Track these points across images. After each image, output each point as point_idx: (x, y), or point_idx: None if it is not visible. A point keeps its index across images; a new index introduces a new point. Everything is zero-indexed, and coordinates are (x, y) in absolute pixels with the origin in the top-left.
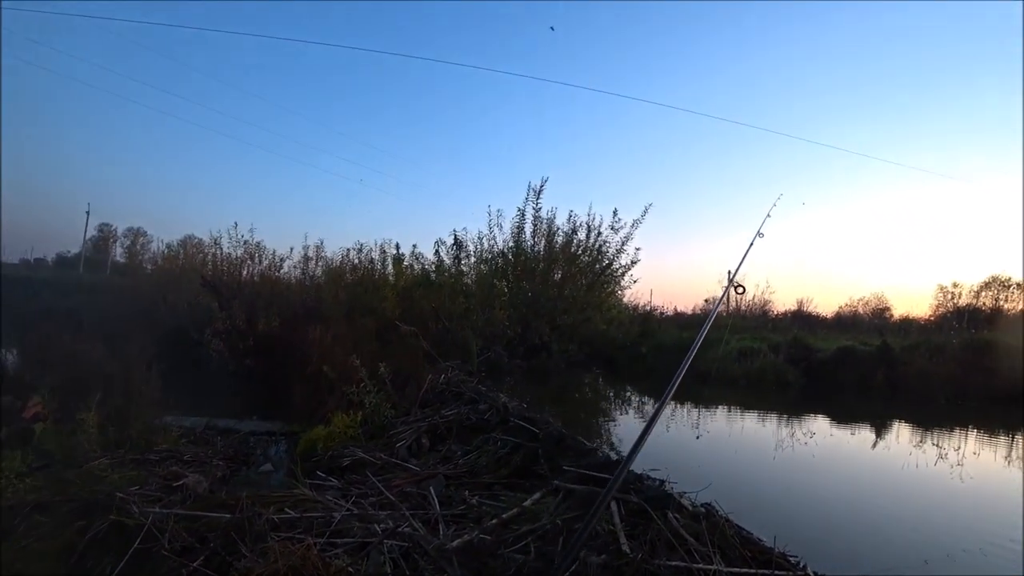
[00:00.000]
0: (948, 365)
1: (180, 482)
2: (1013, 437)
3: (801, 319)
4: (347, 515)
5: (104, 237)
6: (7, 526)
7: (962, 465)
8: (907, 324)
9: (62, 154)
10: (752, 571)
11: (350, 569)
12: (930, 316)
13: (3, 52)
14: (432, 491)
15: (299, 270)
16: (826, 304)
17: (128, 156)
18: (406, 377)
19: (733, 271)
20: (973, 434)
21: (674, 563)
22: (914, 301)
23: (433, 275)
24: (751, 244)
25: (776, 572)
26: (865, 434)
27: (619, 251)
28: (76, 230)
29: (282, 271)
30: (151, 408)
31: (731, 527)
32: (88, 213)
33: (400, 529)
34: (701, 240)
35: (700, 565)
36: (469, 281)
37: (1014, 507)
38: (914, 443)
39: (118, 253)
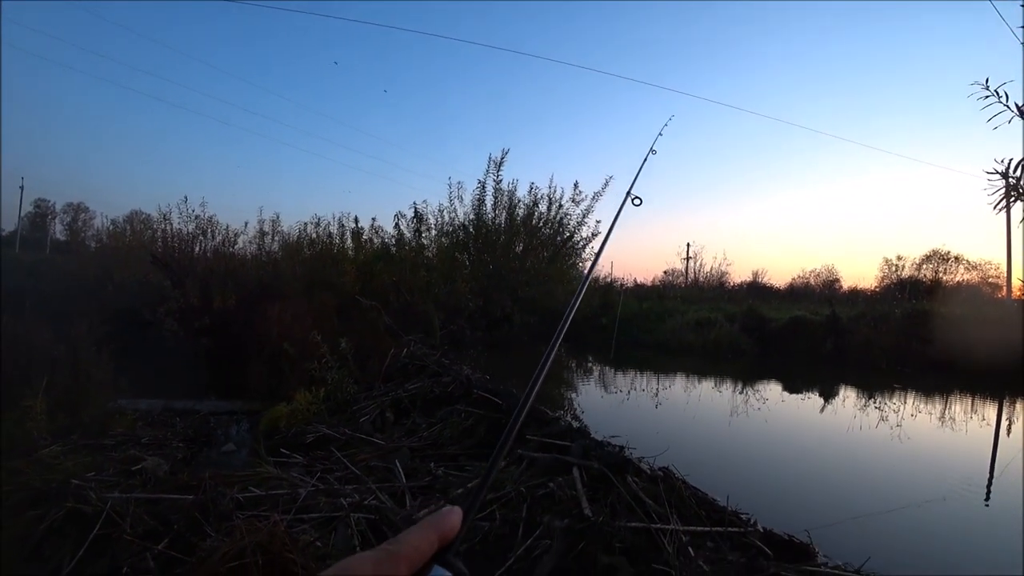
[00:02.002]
0: (890, 334)
1: (139, 466)
2: (947, 400)
3: (756, 290)
4: (313, 491)
5: (41, 213)
6: None
7: (900, 427)
8: (855, 295)
9: None
10: (707, 529)
11: (318, 543)
12: (875, 287)
13: None
14: (397, 464)
15: (255, 245)
16: (779, 275)
17: (62, 126)
18: (368, 352)
19: (630, 185)
20: (911, 398)
21: (634, 524)
22: (861, 273)
23: (393, 248)
24: (644, 160)
25: (729, 529)
26: (814, 399)
27: (580, 223)
28: (9, 206)
29: (237, 246)
30: (103, 391)
31: (687, 489)
32: (22, 188)
33: (367, 502)
34: (661, 213)
35: (658, 525)
36: (430, 254)
37: (945, 463)
38: (859, 407)
39: (58, 230)
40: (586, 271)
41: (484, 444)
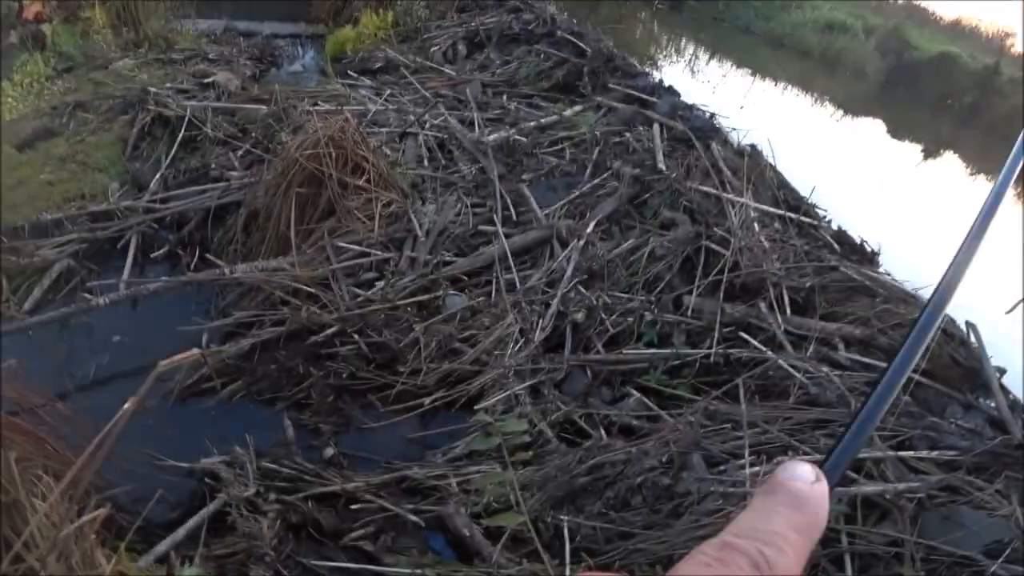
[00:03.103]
0: None
1: (210, 79)
2: None
3: (914, 11)
4: (383, 109)
5: None
6: (55, 125)
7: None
8: None
9: None
10: (780, 212)
11: (386, 150)
12: None
13: None
14: (468, 93)
15: None
16: (950, 6)
17: None
18: None
19: None
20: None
21: (705, 188)
22: None
23: None
24: None
25: (802, 218)
26: (914, 152)
27: None
28: None
29: None
30: (160, 5)
31: (772, 171)
32: None
33: (436, 121)
34: None
35: (730, 195)
36: None
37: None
38: (966, 173)
39: None
40: None
41: (561, 89)
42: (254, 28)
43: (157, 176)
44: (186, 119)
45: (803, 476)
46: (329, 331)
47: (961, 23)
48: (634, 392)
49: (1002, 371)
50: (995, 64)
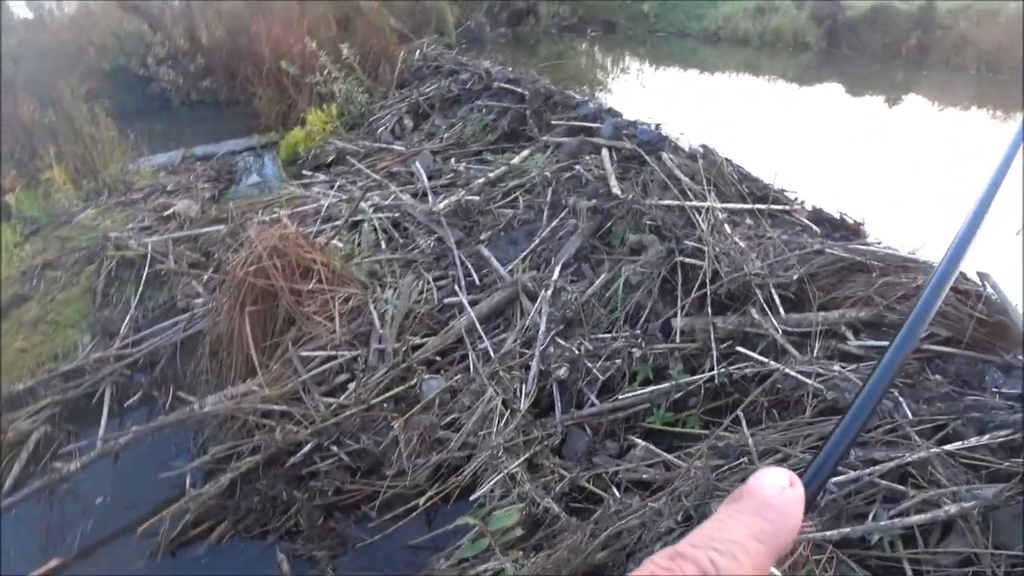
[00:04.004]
0: (994, 32)
1: (170, 211)
2: None
3: None
4: (335, 201)
5: None
6: (25, 290)
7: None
8: None
9: None
10: (747, 206)
11: (338, 243)
12: None
13: None
14: (418, 165)
15: None
16: None
17: None
18: (377, 60)
19: None
20: (989, 116)
21: (666, 201)
22: None
23: None
24: None
25: (772, 207)
26: (877, 104)
27: None
28: None
29: None
30: (116, 151)
31: (730, 166)
32: None
33: (387, 202)
34: None
35: (693, 202)
36: None
37: None
38: (921, 118)
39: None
40: None
41: (508, 138)
42: (211, 150)
43: (127, 319)
44: (148, 257)
45: (773, 483)
46: (306, 448)
47: None
48: (638, 441)
49: None
50: (929, 2)
